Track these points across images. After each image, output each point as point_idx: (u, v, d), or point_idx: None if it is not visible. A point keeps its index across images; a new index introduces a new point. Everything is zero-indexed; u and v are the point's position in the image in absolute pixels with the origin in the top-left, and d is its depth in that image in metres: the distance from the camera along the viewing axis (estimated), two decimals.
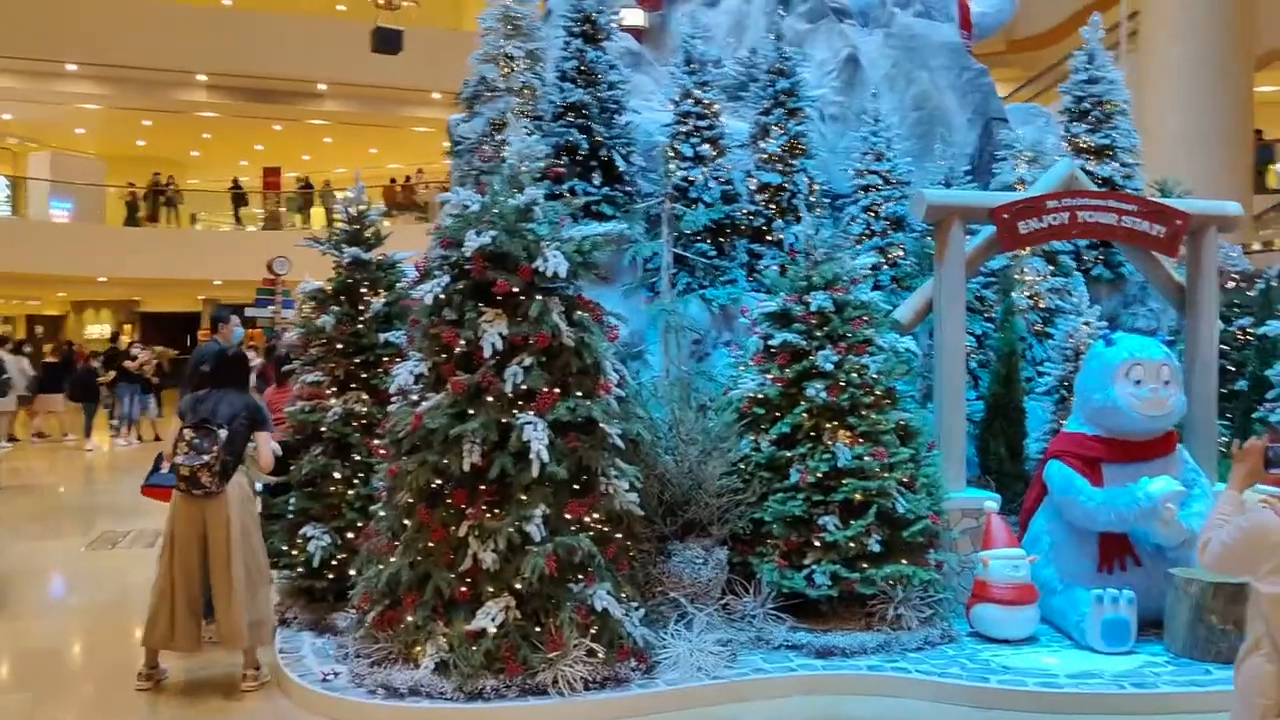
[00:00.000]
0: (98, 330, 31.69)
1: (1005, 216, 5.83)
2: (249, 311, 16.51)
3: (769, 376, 5.57)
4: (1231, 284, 8.02)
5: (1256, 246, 13.41)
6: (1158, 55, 15.93)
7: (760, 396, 5.57)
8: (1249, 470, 3.19)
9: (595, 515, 4.82)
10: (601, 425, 4.80)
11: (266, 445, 5.18)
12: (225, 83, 23.97)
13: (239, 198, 26.24)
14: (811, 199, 7.09)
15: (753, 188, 7.13)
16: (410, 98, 24.47)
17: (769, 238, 7.05)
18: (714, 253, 6.87)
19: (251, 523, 5.15)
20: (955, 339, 5.92)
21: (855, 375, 5.41)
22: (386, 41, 12.71)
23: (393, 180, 26.46)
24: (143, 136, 27.43)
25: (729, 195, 6.99)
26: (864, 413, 5.40)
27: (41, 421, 17.13)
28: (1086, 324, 6.44)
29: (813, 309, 5.50)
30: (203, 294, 28.54)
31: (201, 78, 23.72)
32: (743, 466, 5.46)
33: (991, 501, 5.64)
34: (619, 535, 4.96)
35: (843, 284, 5.59)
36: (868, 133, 7.39)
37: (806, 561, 5.27)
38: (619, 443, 4.86)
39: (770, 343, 5.60)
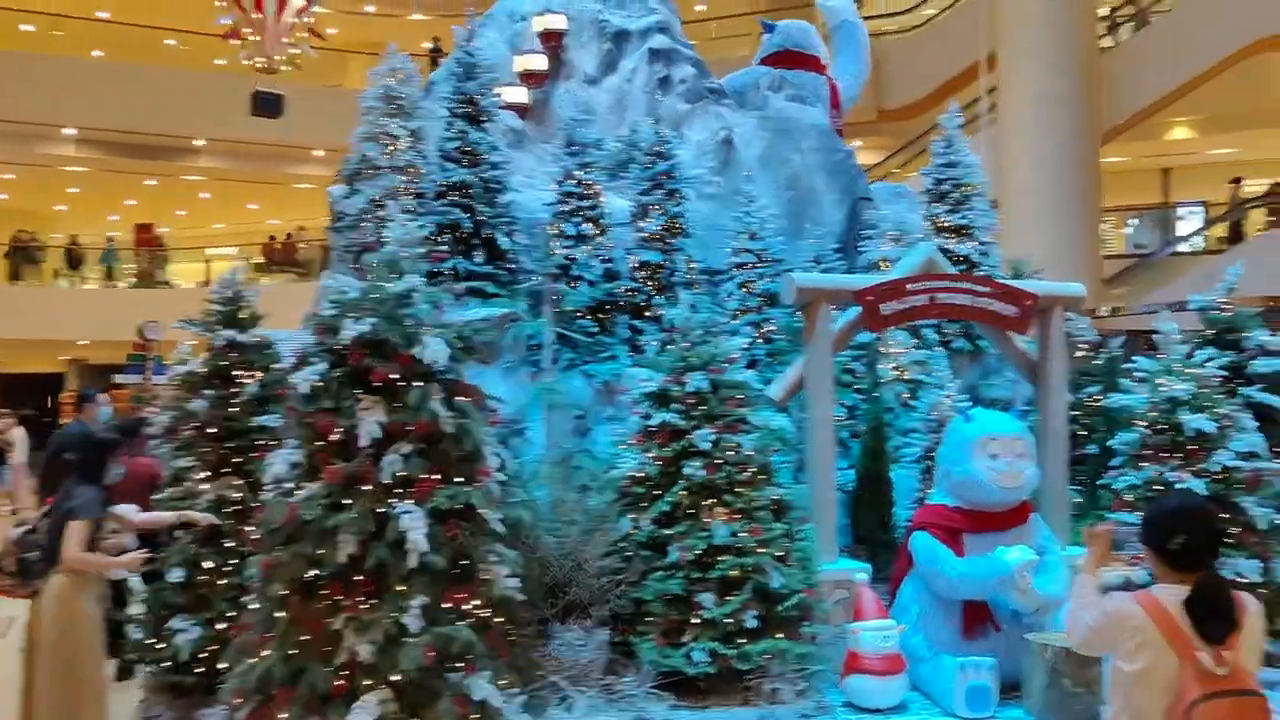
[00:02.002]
0: None
1: (869, 299, 6.15)
2: (118, 378, 15.84)
3: (649, 455, 5.70)
4: (1080, 353, 8.58)
5: (1105, 311, 14.31)
6: (1016, 129, 17.05)
7: (640, 475, 5.68)
8: (1099, 554, 3.45)
9: (475, 603, 4.81)
10: (481, 511, 4.82)
11: (73, 537, 4.67)
12: (95, 136, 23.14)
13: (74, 256, 24.90)
14: (690, 276, 7.32)
15: (633, 265, 7.33)
16: (291, 155, 24.08)
17: (649, 314, 7.23)
18: (596, 329, 7.02)
19: (73, 632, 4.72)
20: (825, 415, 6.17)
21: (731, 453, 5.59)
22: (266, 106, 12.54)
23: (272, 238, 25.92)
24: (3, 190, 26.22)
25: (610, 273, 7.17)
26: (740, 490, 5.57)
27: None
28: (948, 396, 6.79)
29: (690, 389, 5.67)
30: (66, 354, 27.22)
31: (70, 131, 22.87)
32: (624, 546, 5.55)
33: (862, 573, 5.86)
34: (500, 621, 4.97)
35: (718, 364, 5.77)
36: (742, 212, 7.70)
37: (685, 639, 5.37)
38: (499, 528, 4.88)
39: (650, 422, 5.74)
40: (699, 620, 5.35)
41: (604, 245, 7.12)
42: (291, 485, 4.85)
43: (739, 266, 7.63)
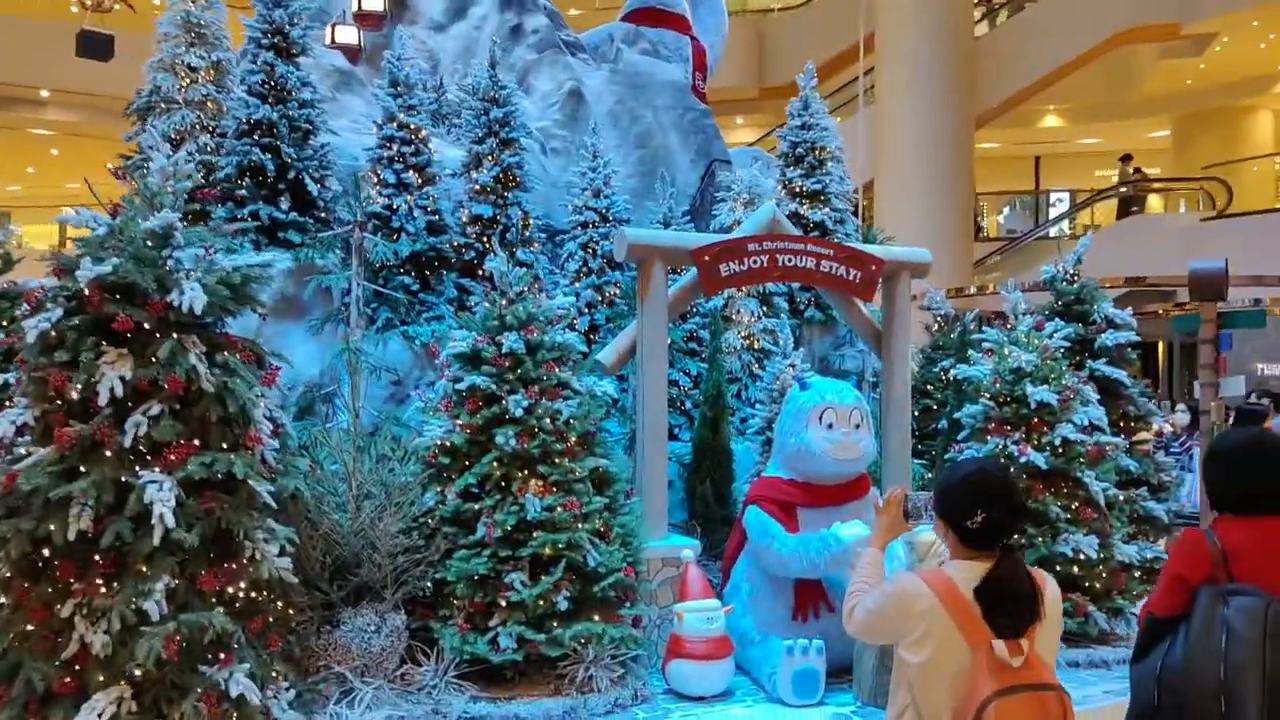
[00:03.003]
0: None
1: (706, 259, 5.73)
2: None
3: (458, 423, 5.17)
4: (935, 326, 8.40)
5: (972, 290, 14.39)
6: (892, 110, 17.02)
7: (447, 444, 5.15)
8: (889, 524, 3.05)
9: (240, 585, 4.23)
10: (249, 482, 4.22)
11: None
12: None
13: None
14: (526, 233, 6.79)
15: (464, 219, 6.75)
16: None
17: (480, 272, 6.68)
18: (417, 286, 6.43)
19: None
20: (657, 382, 5.74)
21: (548, 421, 5.10)
22: (94, 47, 11.43)
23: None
24: None
25: (436, 226, 6.57)
26: (556, 460, 5.09)
27: None
28: (792, 366, 6.45)
29: (504, 350, 5.15)
30: None
31: None
32: (428, 522, 5.02)
33: (689, 550, 5.46)
34: (275, 605, 4.41)
35: (538, 324, 5.27)
36: (586, 168, 7.20)
37: (492, 623, 4.87)
38: (270, 501, 4.30)
39: (459, 386, 5.20)
40: (507, 603, 4.86)
41: (429, 195, 6.51)
42: (23, 450, 4.18)
43: (582, 225, 7.13)
